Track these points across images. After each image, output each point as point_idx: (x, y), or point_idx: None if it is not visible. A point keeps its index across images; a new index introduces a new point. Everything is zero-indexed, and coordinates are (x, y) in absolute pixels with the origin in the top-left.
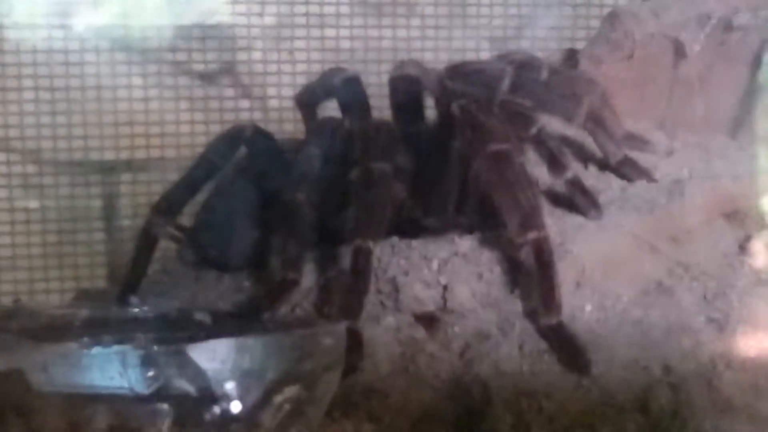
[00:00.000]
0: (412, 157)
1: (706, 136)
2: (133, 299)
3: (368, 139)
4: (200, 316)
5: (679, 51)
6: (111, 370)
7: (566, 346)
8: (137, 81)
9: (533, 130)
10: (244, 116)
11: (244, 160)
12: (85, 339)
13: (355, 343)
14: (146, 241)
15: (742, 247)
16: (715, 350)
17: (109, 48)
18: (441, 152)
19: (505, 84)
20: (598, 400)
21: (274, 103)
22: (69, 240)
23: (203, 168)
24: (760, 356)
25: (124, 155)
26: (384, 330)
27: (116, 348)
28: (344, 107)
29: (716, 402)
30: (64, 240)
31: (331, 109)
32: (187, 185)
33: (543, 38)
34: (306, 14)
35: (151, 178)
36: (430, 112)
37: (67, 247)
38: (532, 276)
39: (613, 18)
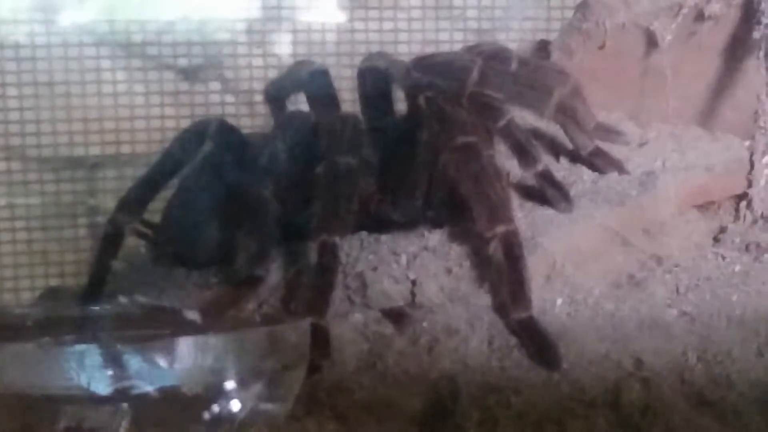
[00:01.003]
0: (379, 151)
1: (679, 126)
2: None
3: (334, 132)
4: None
5: (650, 41)
6: (69, 369)
7: (536, 341)
8: (121, 76)
9: (502, 122)
10: (229, 111)
11: (209, 155)
12: (45, 338)
13: (320, 339)
14: (110, 238)
15: (716, 239)
16: (687, 344)
17: (93, 43)
18: (409, 145)
19: (474, 76)
20: (568, 395)
21: (259, 98)
22: (53, 237)
23: (168, 163)
24: (732, 349)
25: (108, 151)
26: (351, 326)
27: (75, 347)
28: (312, 100)
29: (688, 396)
30: (48, 237)
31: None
32: (152, 181)
33: (518, 30)
34: (292, 7)
35: (135, 174)
36: (403, 105)
37: (51, 244)
38: (502, 270)
39: (584, 8)
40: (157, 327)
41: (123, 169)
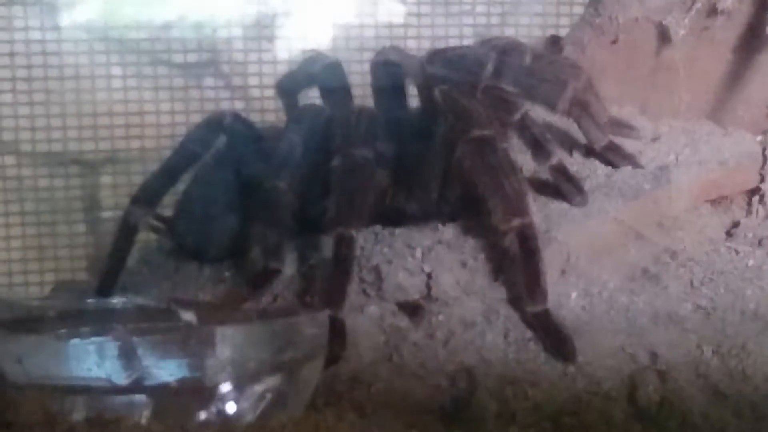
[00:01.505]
0: (394, 144)
1: (691, 121)
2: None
3: (349, 126)
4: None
5: (663, 35)
6: (89, 361)
7: (552, 334)
8: (117, 72)
9: (517, 116)
10: (226, 106)
11: (223, 149)
12: (63, 330)
13: (338, 332)
14: (125, 232)
15: (728, 234)
16: (702, 337)
17: (89, 39)
18: (423, 138)
19: (488, 70)
20: (585, 388)
21: (255, 92)
22: (49, 232)
23: (182, 157)
24: (746, 342)
25: (104, 147)
26: (367, 319)
27: (94, 339)
28: (325, 94)
29: (704, 389)
30: (44, 233)
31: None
32: (167, 175)
33: (527, 25)
34: (286, 2)
35: (131, 170)
36: (413, 99)
37: (47, 239)
38: (517, 263)
39: (596, 3)
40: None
41: (118, 165)
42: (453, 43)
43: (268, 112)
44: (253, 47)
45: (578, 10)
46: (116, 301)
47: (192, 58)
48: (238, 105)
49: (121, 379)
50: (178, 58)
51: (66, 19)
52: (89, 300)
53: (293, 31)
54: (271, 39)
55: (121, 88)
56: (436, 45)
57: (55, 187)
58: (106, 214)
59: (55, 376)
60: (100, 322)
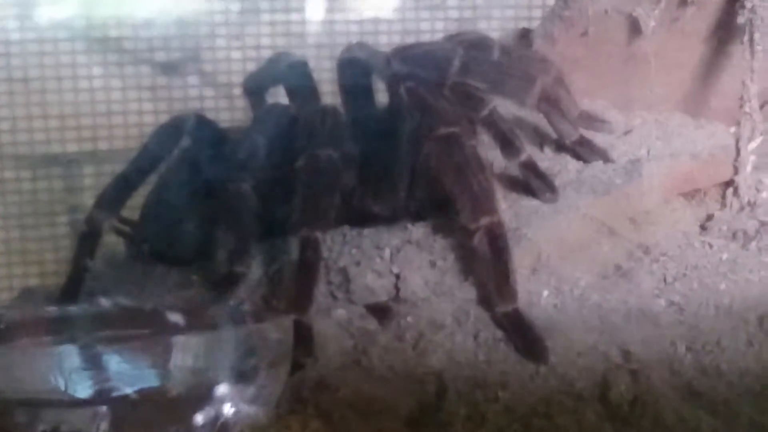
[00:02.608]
0: (360, 143)
1: (663, 113)
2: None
3: (314, 125)
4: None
5: (634, 27)
6: (47, 372)
7: (523, 334)
8: (98, 71)
9: (485, 112)
10: (209, 105)
11: (187, 151)
12: (23, 340)
13: (304, 336)
14: (88, 237)
15: (702, 227)
16: (675, 334)
17: (69, 38)
18: (390, 137)
19: (455, 65)
20: (556, 389)
21: (239, 91)
22: (31, 236)
23: (146, 159)
24: (720, 338)
25: (86, 147)
26: (335, 322)
27: (53, 349)
28: (291, 93)
29: (677, 387)
30: (26, 236)
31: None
32: (130, 178)
33: (500, 18)
34: None
35: (114, 171)
36: (383, 96)
37: (29, 243)
38: (486, 262)
39: None
40: (137, 328)
41: (101, 166)
42: (425, 38)
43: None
44: (237, 45)
45: (550, 2)
46: (79, 308)
47: (175, 55)
48: (222, 104)
49: (81, 390)
50: (160, 56)
51: (46, 17)
52: (52, 308)
53: (277, 28)
54: (255, 37)
55: (103, 88)
56: (408, 40)
57: (38, 189)
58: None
59: (12, 389)
60: (62, 331)
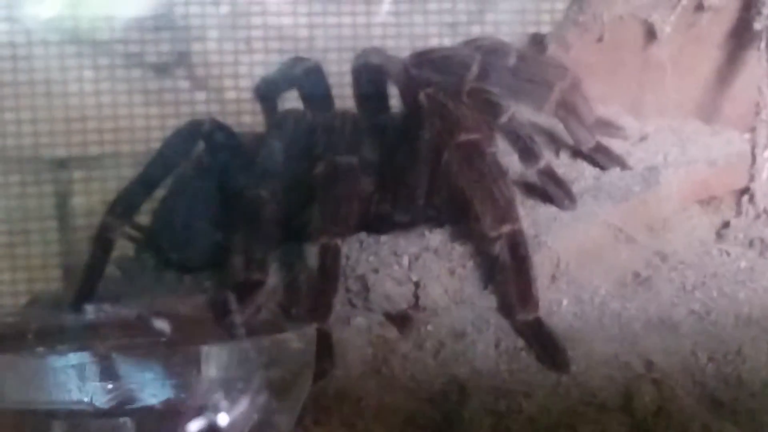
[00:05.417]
0: (378, 149)
1: (678, 120)
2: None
3: (332, 131)
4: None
5: (649, 33)
6: (68, 382)
7: (544, 343)
8: (89, 74)
9: (503, 119)
10: (200, 108)
11: (202, 156)
12: (40, 349)
13: (325, 346)
14: (101, 245)
15: (719, 235)
16: (696, 343)
17: (59, 40)
18: (408, 143)
19: (473, 71)
20: (579, 399)
21: (231, 94)
22: (21, 240)
23: (160, 165)
24: (742, 347)
25: (76, 151)
26: (354, 331)
27: (73, 359)
28: (306, 98)
29: (700, 397)
30: (15, 240)
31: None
32: (144, 183)
33: (507, 22)
34: (262, 2)
35: (105, 174)
36: (395, 101)
37: (19, 247)
38: (507, 270)
39: (580, 0)
40: (121, 335)
41: (92, 170)
42: (432, 42)
43: (245, 114)
44: (228, 48)
45: (560, 6)
46: (93, 314)
47: (166, 58)
48: (213, 107)
49: (103, 401)
50: (151, 58)
51: (35, 18)
52: (66, 315)
53: (269, 31)
54: (247, 40)
55: (94, 91)
56: (415, 44)
57: (28, 193)
58: (79, 221)
59: (31, 399)
60: (79, 340)
